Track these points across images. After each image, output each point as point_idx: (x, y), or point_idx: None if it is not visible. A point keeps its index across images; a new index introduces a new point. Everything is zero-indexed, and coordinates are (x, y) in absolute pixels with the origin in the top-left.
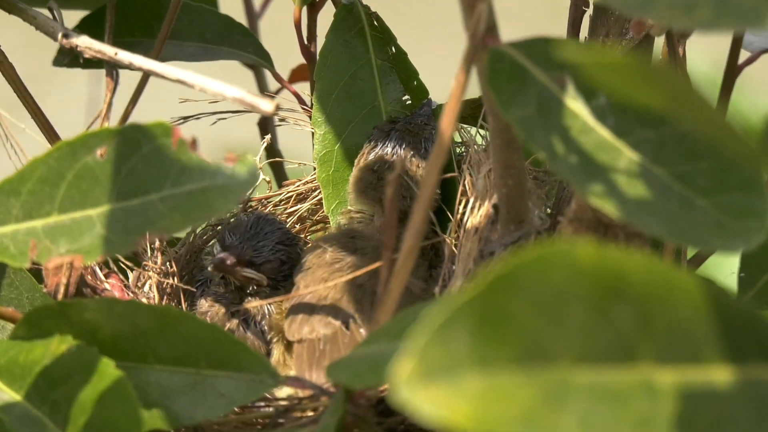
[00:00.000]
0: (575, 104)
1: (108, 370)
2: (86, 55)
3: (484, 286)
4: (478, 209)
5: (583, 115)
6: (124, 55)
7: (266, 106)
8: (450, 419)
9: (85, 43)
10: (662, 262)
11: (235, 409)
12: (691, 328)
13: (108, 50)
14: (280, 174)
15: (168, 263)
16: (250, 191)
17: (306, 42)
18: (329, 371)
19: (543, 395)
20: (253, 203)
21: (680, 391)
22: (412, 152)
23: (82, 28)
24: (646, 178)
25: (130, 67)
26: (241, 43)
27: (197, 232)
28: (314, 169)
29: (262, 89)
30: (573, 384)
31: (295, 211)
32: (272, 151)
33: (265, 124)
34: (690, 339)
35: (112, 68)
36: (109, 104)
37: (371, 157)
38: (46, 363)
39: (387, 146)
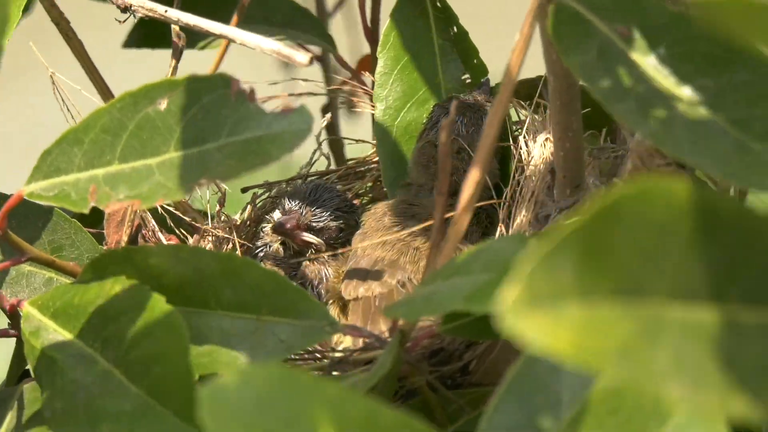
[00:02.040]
0: (635, 53)
1: (158, 305)
2: (139, 14)
3: (588, 218)
4: (535, 175)
5: (643, 64)
6: (173, 13)
7: (301, 57)
8: (552, 346)
9: (138, 1)
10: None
11: (293, 357)
12: None
13: (159, 8)
14: (339, 157)
15: (227, 229)
16: (311, 161)
17: (369, 24)
18: (387, 311)
19: (639, 329)
20: (313, 177)
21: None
22: (473, 127)
23: None
24: (703, 122)
25: (177, 23)
26: (307, 30)
27: (257, 203)
28: (373, 146)
29: (329, 80)
30: (667, 320)
31: (354, 187)
32: (333, 133)
33: (328, 109)
34: None
35: (177, 44)
36: (175, 69)
37: (432, 132)
38: (100, 303)
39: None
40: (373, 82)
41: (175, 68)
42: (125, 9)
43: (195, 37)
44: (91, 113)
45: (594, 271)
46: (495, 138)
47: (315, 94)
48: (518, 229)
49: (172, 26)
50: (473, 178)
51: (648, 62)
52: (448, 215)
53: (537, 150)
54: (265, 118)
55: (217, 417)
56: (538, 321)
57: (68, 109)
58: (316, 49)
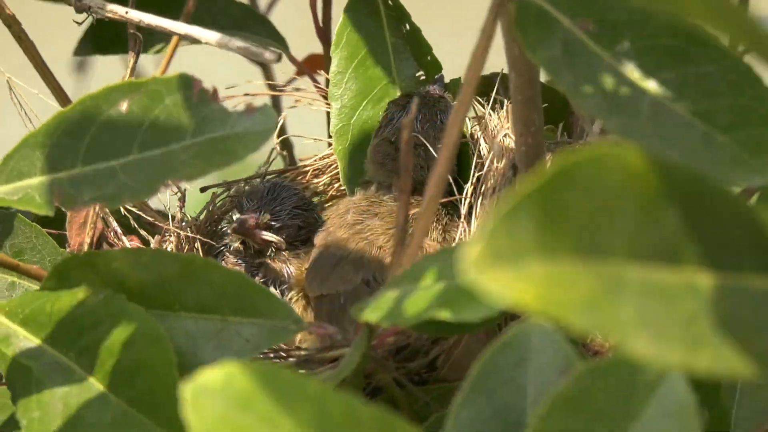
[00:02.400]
0: (599, 48)
1: (137, 315)
2: (98, 16)
3: (544, 181)
4: (495, 171)
5: (607, 58)
6: (134, 14)
7: (270, 55)
8: (517, 299)
9: (97, 3)
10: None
11: (259, 357)
12: (733, 236)
13: (119, 9)
14: (291, 158)
15: (188, 229)
16: (268, 160)
17: (321, 24)
18: (355, 312)
19: (601, 286)
20: (270, 177)
21: (722, 294)
22: (428, 123)
23: None
24: (668, 115)
25: (140, 24)
26: (256, 29)
27: (216, 202)
28: (329, 144)
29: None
30: (627, 279)
31: (312, 185)
32: (283, 132)
33: (277, 106)
34: (731, 247)
35: (135, 45)
36: (132, 72)
37: (388, 129)
38: (74, 311)
39: (403, 119)
40: (327, 80)
41: (133, 70)
42: (84, 10)
43: (149, 41)
44: (53, 116)
45: (553, 231)
46: (458, 136)
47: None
48: (481, 225)
49: (128, 28)
50: (437, 176)
51: (612, 57)
52: (410, 212)
53: (496, 146)
54: (230, 117)
55: (201, 415)
56: (501, 276)
57: (26, 114)
58: (274, 53)
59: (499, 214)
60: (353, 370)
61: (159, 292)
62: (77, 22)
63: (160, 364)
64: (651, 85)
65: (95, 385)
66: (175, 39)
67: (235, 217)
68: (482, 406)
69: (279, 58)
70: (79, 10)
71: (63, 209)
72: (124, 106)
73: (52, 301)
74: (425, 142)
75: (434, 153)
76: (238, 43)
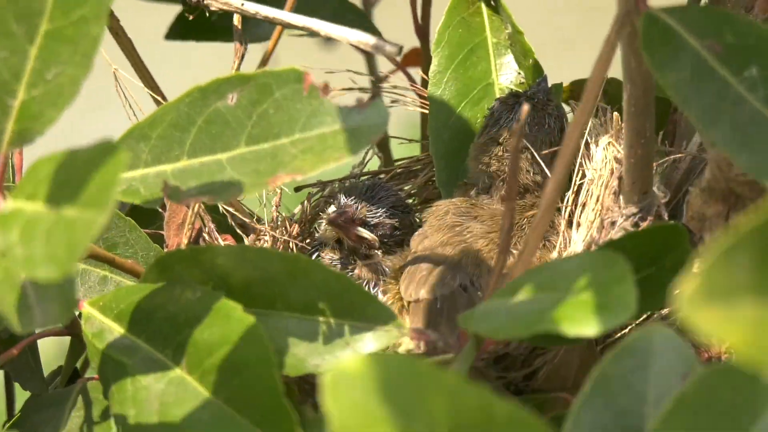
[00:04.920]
0: (727, 73)
1: (236, 313)
2: (212, 8)
3: (765, 219)
4: (598, 179)
5: (735, 85)
6: (250, 6)
7: (391, 48)
8: (725, 339)
9: None
10: None
11: None
12: None
13: (234, 1)
14: (387, 157)
15: (283, 228)
16: (364, 161)
17: (420, 22)
18: (463, 321)
19: None
20: (364, 178)
21: None
22: (536, 126)
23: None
24: None
25: (255, 16)
26: (354, 23)
27: (311, 202)
28: (422, 146)
29: (373, 73)
30: None
31: (406, 187)
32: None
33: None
34: None
35: (241, 36)
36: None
37: (495, 129)
38: (170, 308)
39: (511, 119)
40: (422, 78)
41: (239, 64)
42: (197, 3)
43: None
44: (159, 108)
45: None
46: (577, 144)
47: (363, 89)
48: (585, 234)
49: (234, 20)
50: (555, 184)
51: (740, 83)
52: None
53: (599, 154)
54: (340, 112)
55: (339, 402)
56: (713, 315)
57: (130, 106)
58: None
59: (718, 251)
60: None
61: (262, 290)
62: (187, 16)
63: (260, 364)
64: None
65: (192, 383)
66: (276, 32)
67: (330, 210)
68: (601, 410)
69: (400, 51)
70: (192, 4)
71: (164, 203)
72: (232, 99)
73: (147, 298)
74: (530, 147)
75: (539, 158)
76: (361, 35)
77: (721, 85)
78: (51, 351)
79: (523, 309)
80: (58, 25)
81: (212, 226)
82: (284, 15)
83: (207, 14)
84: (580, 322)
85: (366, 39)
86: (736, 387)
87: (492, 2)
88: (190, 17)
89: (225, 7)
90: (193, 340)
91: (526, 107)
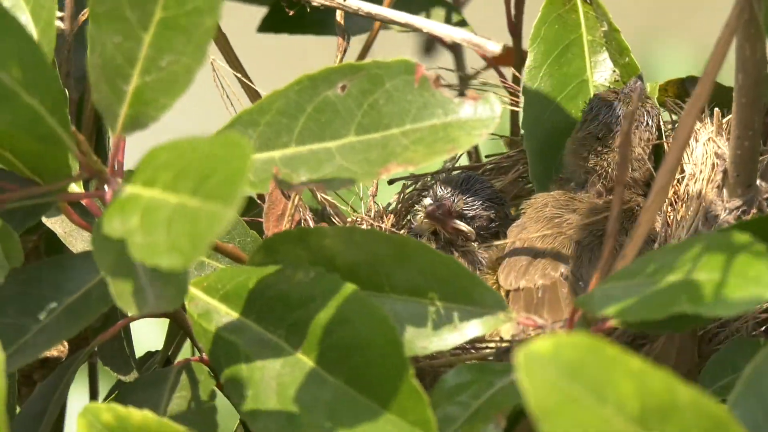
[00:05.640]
0: None
1: (353, 294)
2: (314, 3)
3: None
4: (699, 174)
5: None
6: (353, 2)
7: (493, 46)
8: None
9: None
10: None
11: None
12: None
13: None
14: (477, 154)
15: (379, 219)
16: (456, 155)
17: (513, 19)
18: (581, 303)
19: None
20: (457, 171)
21: None
22: (635, 123)
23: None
24: None
25: (358, 12)
26: (446, 18)
27: (405, 194)
28: (510, 143)
29: (460, 70)
30: None
31: (497, 183)
32: None
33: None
34: None
35: (344, 31)
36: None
37: (594, 124)
38: (281, 288)
39: (611, 115)
40: (513, 75)
41: (342, 58)
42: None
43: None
44: (267, 95)
45: None
46: (689, 135)
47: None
48: (688, 228)
49: (337, 15)
50: (667, 168)
51: None
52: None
53: (699, 149)
54: (451, 105)
55: (533, 380)
56: None
57: (227, 96)
58: (498, 44)
59: None
60: None
61: (369, 272)
62: (288, 11)
63: (382, 343)
64: None
65: (308, 363)
66: (375, 27)
67: (427, 202)
68: (754, 407)
69: (503, 50)
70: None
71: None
72: (342, 88)
73: (253, 277)
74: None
75: (639, 153)
76: (464, 33)
77: None
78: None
79: (652, 290)
80: (171, 14)
81: (308, 216)
82: (387, 12)
83: (308, 9)
84: (719, 303)
85: (470, 37)
86: None
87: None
88: (291, 12)
89: (327, 3)
90: (307, 320)
91: (637, 91)
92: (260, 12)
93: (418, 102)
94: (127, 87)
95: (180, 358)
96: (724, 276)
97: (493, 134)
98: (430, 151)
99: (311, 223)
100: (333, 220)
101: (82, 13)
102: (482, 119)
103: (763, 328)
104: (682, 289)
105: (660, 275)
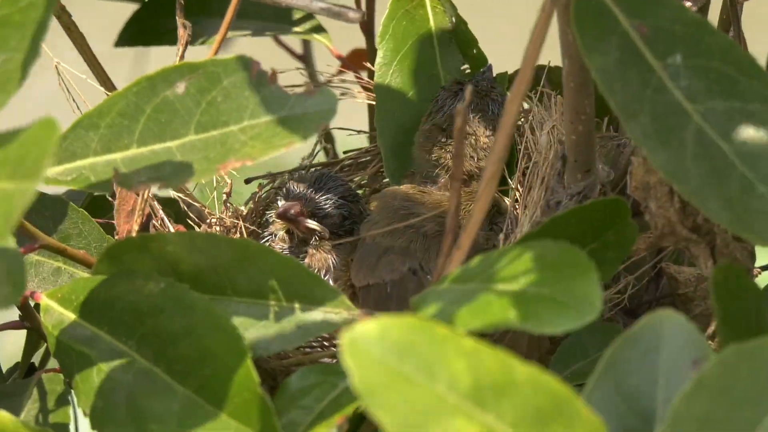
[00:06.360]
0: (652, 57)
1: (201, 304)
2: None
3: None
4: (543, 162)
5: (659, 71)
6: None
7: (353, 15)
8: None
9: None
10: None
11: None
12: None
13: None
14: (333, 151)
15: (234, 218)
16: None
17: (365, 17)
18: (415, 305)
19: None
20: (314, 168)
21: None
22: (479, 113)
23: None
24: (711, 152)
25: None
26: (299, 22)
27: (261, 193)
28: (370, 138)
29: (312, 77)
30: None
31: (355, 178)
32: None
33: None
34: None
35: (183, 23)
36: (182, 58)
37: (439, 116)
38: (131, 299)
39: (455, 106)
40: (369, 71)
41: (183, 50)
42: None
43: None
44: (107, 98)
45: None
46: (514, 126)
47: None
48: (531, 214)
49: (177, 18)
50: (496, 157)
51: (664, 69)
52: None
53: (544, 137)
54: (288, 99)
55: (359, 362)
56: None
57: (74, 99)
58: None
59: None
60: None
61: (212, 277)
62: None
63: (228, 352)
64: (697, 112)
65: (159, 374)
66: (223, 28)
67: (280, 204)
68: (611, 393)
69: (363, 17)
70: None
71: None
72: (181, 88)
73: (107, 289)
74: (475, 131)
75: (484, 143)
76: (321, 4)
77: (645, 70)
78: (10, 349)
79: (482, 300)
80: (6, 11)
81: (163, 215)
82: None
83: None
84: (547, 322)
85: (328, 6)
86: (762, 366)
87: None
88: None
89: None
90: (157, 330)
91: (470, 88)
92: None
93: (255, 98)
94: None
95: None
96: (554, 291)
97: (349, 129)
98: (268, 146)
99: (166, 220)
100: (190, 222)
101: None
102: (319, 112)
103: (618, 308)
104: (512, 301)
105: (489, 282)
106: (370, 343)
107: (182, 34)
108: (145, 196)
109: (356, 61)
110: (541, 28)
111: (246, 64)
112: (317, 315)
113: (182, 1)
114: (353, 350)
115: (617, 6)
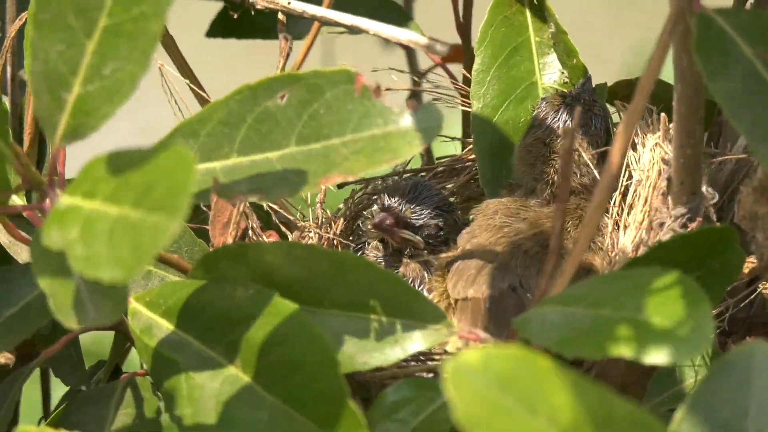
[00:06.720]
0: None
1: (291, 312)
2: (258, 6)
3: None
4: (646, 181)
5: None
6: (297, 5)
7: (441, 48)
8: None
9: None
10: None
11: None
12: None
13: (281, 0)
14: (428, 156)
15: (327, 225)
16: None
17: (461, 19)
18: (519, 326)
19: None
20: (407, 175)
21: None
22: (582, 128)
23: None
24: None
25: (303, 15)
26: (395, 21)
27: (355, 199)
28: (463, 145)
29: (413, 69)
30: None
31: (448, 185)
32: None
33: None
34: None
35: (286, 35)
36: (283, 70)
37: (542, 130)
38: (220, 305)
39: (558, 120)
40: (464, 75)
41: (285, 62)
42: (242, 2)
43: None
44: (208, 106)
45: None
46: (627, 144)
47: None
48: (634, 235)
49: (279, 18)
50: (604, 185)
51: None
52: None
53: (646, 155)
54: (392, 114)
55: (461, 392)
56: None
57: (176, 102)
58: (445, 45)
59: None
60: None
61: (309, 288)
62: (233, 13)
63: (318, 362)
64: None
65: (248, 382)
66: (314, 29)
67: (375, 214)
68: (702, 423)
69: (450, 50)
70: (236, 3)
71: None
72: (282, 98)
73: (194, 294)
74: (578, 147)
75: (587, 159)
76: (411, 35)
77: None
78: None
79: (587, 325)
80: (117, 20)
81: (257, 224)
82: (331, 14)
83: (252, 12)
84: (656, 352)
85: (417, 38)
86: None
87: (535, 1)
88: (234, 16)
89: (271, 6)
90: (246, 338)
91: (578, 110)
92: (209, 12)
93: (359, 111)
94: (69, 96)
95: (129, 365)
96: (664, 320)
97: (444, 137)
98: (371, 161)
99: (257, 229)
100: (281, 227)
101: (19, 18)
102: (423, 129)
103: (718, 330)
104: (620, 329)
105: (599, 308)
106: (473, 374)
107: (284, 46)
108: (242, 208)
109: (453, 58)
110: (657, 59)
111: (350, 77)
112: (417, 330)
113: (284, 18)
114: (456, 381)
115: (739, 34)
